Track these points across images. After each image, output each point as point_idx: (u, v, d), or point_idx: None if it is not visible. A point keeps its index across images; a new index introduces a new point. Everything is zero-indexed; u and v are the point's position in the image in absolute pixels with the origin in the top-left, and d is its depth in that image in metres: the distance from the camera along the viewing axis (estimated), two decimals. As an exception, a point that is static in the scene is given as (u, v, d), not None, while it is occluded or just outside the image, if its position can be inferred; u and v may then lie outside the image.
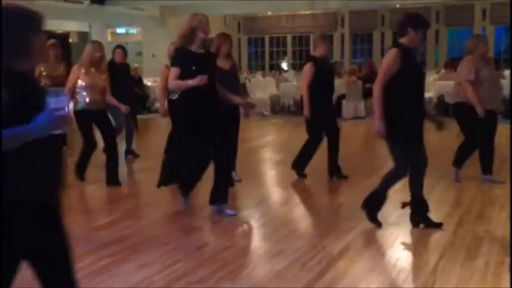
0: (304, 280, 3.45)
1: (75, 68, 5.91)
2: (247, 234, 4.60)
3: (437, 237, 4.22)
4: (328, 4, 17.92)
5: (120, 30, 20.42)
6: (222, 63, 5.67)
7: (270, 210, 5.25)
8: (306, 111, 6.01)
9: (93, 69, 5.92)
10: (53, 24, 17.10)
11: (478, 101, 5.60)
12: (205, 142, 4.72)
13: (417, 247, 4.10)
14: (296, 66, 22.44)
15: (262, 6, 18.97)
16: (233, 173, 6.09)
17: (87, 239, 4.33)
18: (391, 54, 4.21)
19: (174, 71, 4.66)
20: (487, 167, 6.00)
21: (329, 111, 6.27)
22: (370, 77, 13.05)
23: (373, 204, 4.52)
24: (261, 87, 14.56)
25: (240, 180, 6.19)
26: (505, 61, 19.21)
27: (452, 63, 15.53)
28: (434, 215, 4.84)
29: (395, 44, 4.37)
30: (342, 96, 12.53)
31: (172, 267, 3.68)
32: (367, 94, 12.77)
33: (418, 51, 4.33)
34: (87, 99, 5.86)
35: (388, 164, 7.52)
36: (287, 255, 3.87)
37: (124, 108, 6.25)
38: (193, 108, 4.64)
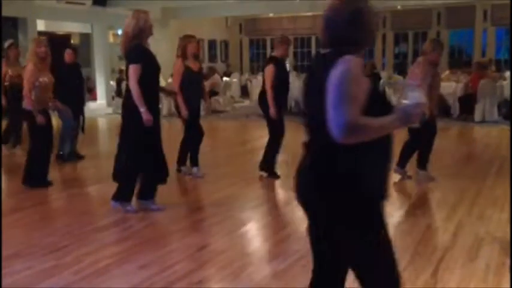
0: (305, 281, 3.43)
1: (30, 67, 5.75)
2: (248, 235, 4.60)
3: (437, 238, 4.21)
4: (330, 6, 17.93)
5: (122, 32, 20.43)
6: (190, 64, 5.99)
7: (271, 211, 5.24)
8: (272, 110, 6.05)
9: (44, 66, 5.84)
10: (55, 26, 17.14)
11: (433, 104, 5.73)
12: (152, 141, 4.85)
13: (418, 248, 4.09)
14: (297, 68, 22.43)
15: (264, 8, 18.98)
16: (195, 169, 6.40)
17: (88, 240, 4.32)
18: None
19: (136, 69, 4.66)
20: (404, 163, 6.14)
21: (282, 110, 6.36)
22: (371, 79, 13.05)
23: None
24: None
25: (202, 176, 6.37)
26: (506, 62, 19.20)
27: (456, 65, 15.57)
28: (435, 216, 4.84)
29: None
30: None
31: (172, 268, 3.67)
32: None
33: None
34: (41, 98, 5.78)
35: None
36: (288, 256, 3.86)
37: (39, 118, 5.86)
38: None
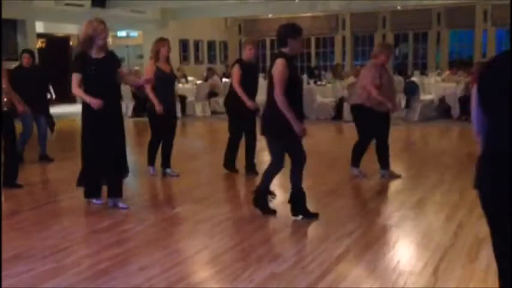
0: (304, 283, 3.45)
1: None
2: (247, 236, 4.59)
3: (438, 239, 4.21)
4: (329, 6, 17.94)
5: (121, 34, 20.45)
6: (162, 65, 6.38)
7: (270, 212, 5.23)
8: (249, 103, 6.35)
9: None
10: (54, 28, 17.14)
11: (383, 100, 6.07)
12: (104, 142, 5.06)
13: (418, 249, 4.10)
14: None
15: (263, 9, 19.00)
16: (169, 170, 6.65)
17: (87, 241, 4.33)
18: (281, 63, 4.57)
19: (76, 77, 4.99)
20: (385, 163, 6.38)
21: (251, 111, 6.51)
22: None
23: (262, 200, 4.88)
24: (262, 90, 14.53)
25: (178, 175, 6.61)
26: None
27: (456, 65, 15.52)
28: (435, 217, 4.84)
29: (280, 54, 4.69)
30: (342, 99, 12.50)
31: (172, 270, 3.67)
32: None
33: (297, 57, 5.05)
34: None
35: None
36: (287, 258, 3.86)
37: (20, 108, 6.39)
38: (92, 112, 4.94)
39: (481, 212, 5.06)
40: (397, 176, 6.38)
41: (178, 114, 13.41)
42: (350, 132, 10.97)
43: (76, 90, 5.01)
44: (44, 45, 16.63)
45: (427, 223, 4.69)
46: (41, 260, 3.89)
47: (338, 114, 12.61)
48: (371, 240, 4.27)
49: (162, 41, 6.47)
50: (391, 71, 6.81)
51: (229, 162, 6.75)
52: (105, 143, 5.07)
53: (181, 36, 20.34)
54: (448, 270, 3.59)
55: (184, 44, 20.71)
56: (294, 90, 4.62)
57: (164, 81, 6.34)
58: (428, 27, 20.57)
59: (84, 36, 4.99)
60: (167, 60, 6.46)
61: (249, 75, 6.48)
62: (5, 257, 3.90)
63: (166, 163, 6.67)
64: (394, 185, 6.27)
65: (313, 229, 4.79)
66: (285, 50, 4.65)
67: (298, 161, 4.75)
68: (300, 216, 4.80)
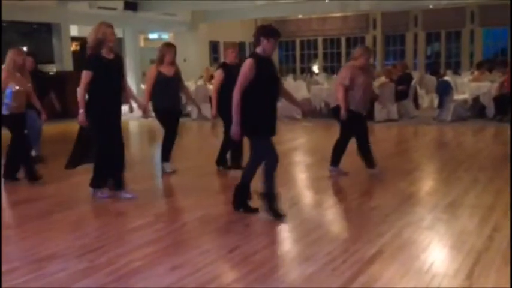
0: (335, 284, 3.42)
1: (4, 75, 6.27)
2: (279, 237, 4.59)
3: (472, 242, 4.13)
4: (360, 5, 17.77)
5: (153, 36, 20.68)
6: (165, 69, 6.70)
7: (301, 213, 5.22)
8: (214, 111, 6.71)
9: (18, 74, 6.39)
10: (87, 31, 17.43)
11: (344, 104, 6.19)
12: (111, 139, 5.50)
13: (452, 251, 4.02)
14: (327, 69, 22.30)
15: (293, 10, 18.94)
16: (166, 164, 7.01)
17: (120, 241, 4.38)
18: (248, 64, 4.71)
19: (87, 75, 5.33)
20: (371, 162, 6.45)
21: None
22: (403, 79, 12.86)
23: (242, 199, 5.00)
24: (292, 91, 14.51)
25: (174, 171, 6.99)
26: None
27: (485, 64, 15.16)
28: (469, 219, 4.74)
29: (252, 54, 4.85)
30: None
31: (203, 270, 3.69)
32: (400, 97, 12.60)
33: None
34: (15, 103, 6.30)
35: (420, 167, 7.41)
36: (318, 259, 3.84)
37: (43, 116, 7.11)
38: (102, 110, 5.39)
39: (517, 214, 4.91)
40: (344, 174, 6.49)
41: (208, 115, 13.64)
42: (382, 133, 10.88)
43: (82, 90, 5.31)
44: (78, 48, 16.92)
45: (460, 225, 4.60)
46: (75, 259, 3.96)
47: (369, 115, 12.45)
48: (404, 242, 4.21)
49: (168, 47, 6.78)
50: (370, 73, 6.97)
51: (223, 159, 7.12)
52: (112, 140, 5.48)
53: (212, 38, 20.46)
54: (483, 273, 3.52)
55: (214, 46, 20.82)
56: (266, 90, 4.75)
57: (164, 84, 6.67)
58: (462, 26, 20.20)
59: (94, 41, 5.33)
60: (172, 63, 6.77)
61: (231, 79, 6.46)
62: (39, 257, 3.99)
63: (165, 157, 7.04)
64: (427, 187, 6.17)
65: (344, 230, 4.76)
66: (257, 49, 4.81)
67: (255, 160, 4.87)
68: (241, 210, 4.99)
